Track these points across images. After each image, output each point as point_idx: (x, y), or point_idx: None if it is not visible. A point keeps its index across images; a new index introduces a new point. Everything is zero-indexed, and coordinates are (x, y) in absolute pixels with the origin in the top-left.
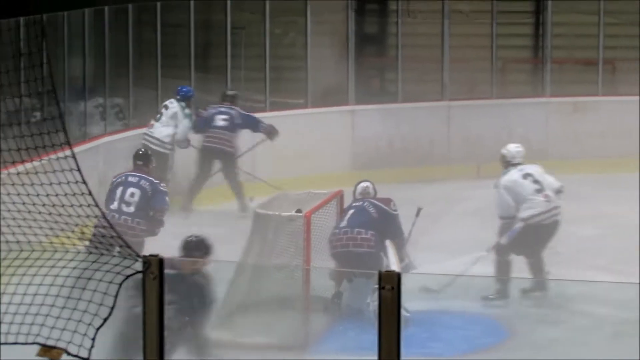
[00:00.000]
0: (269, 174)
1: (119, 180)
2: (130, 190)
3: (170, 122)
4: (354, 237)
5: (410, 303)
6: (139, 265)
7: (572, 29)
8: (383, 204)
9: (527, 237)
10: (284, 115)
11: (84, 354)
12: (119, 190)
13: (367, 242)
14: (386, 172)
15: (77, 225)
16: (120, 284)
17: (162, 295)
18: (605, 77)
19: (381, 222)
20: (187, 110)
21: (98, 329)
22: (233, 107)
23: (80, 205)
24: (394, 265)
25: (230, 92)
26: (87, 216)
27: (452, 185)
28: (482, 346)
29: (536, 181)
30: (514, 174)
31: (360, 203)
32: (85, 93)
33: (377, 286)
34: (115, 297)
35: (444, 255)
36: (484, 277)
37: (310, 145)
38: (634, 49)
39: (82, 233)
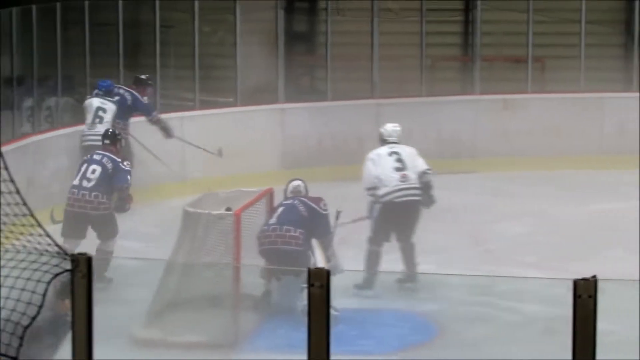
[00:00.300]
0: (199, 172)
1: (85, 158)
2: (92, 167)
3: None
4: (282, 235)
5: (340, 301)
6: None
7: (501, 27)
8: (314, 203)
9: (387, 216)
10: (214, 113)
11: (12, 353)
12: (83, 167)
13: (295, 240)
14: (316, 170)
15: (4, 224)
16: (49, 283)
17: (91, 294)
18: (535, 75)
19: (310, 221)
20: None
21: (26, 327)
22: (127, 89)
23: (9, 204)
24: (321, 264)
25: (141, 77)
26: (15, 215)
27: None
28: (412, 343)
29: (400, 160)
30: (382, 149)
31: (291, 201)
32: (14, 92)
33: (305, 285)
34: (44, 296)
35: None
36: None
37: (240, 144)
38: (563, 46)
39: (11, 232)
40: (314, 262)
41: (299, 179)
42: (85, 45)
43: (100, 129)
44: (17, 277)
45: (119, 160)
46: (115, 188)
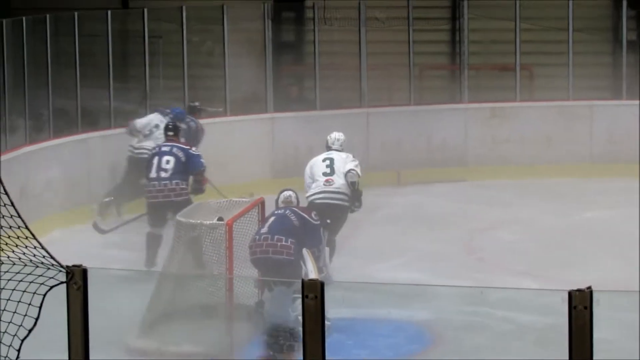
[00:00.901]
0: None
1: (154, 152)
2: (165, 158)
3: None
4: (273, 244)
5: (335, 310)
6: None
7: (488, 35)
8: (305, 213)
9: None
10: (204, 123)
11: None
12: (155, 160)
13: (286, 250)
14: None
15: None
16: (44, 295)
17: (86, 305)
18: (523, 83)
19: (302, 231)
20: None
21: (23, 340)
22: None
23: (3, 217)
24: (312, 275)
25: (194, 104)
26: (10, 227)
27: (371, 192)
28: (407, 353)
29: (330, 166)
30: (320, 156)
31: (282, 211)
32: (6, 103)
33: (297, 295)
34: (40, 308)
35: (364, 261)
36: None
37: (231, 154)
38: (551, 54)
39: (6, 244)
40: (305, 272)
41: (290, 189)
42: (75, 56)
43: (150, 144)
44: (13, 290)
45: (187, 147)
46: (192, 173)
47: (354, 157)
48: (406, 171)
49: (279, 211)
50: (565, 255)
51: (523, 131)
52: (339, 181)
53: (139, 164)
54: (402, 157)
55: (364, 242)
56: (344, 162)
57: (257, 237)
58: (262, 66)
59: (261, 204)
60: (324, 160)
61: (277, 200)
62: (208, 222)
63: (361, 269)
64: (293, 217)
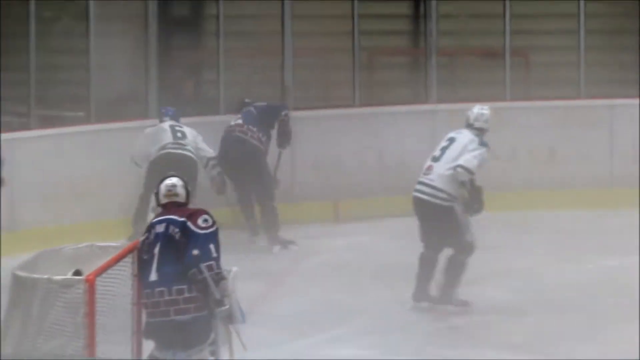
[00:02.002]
0: (32, 221)
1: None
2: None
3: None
4: (174, 300)
5: None
6: None
7: (467, 7)
8: (189, 219)
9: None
10: (58, 134)
11: None
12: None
13: (193, 304)
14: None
15: None
16: None
17: None
18: (516, 75)
19: (185, 250)
20: None
21: None
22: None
23: None
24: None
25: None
26: None
27: (299, 231)
28: None
29: (445, 148)
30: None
31: (163, 228)
32: None
33: None
34: None
35: (289, 333)
36: None
37: (93, 177)
38: (554, 35)
39: None
40: (214, 337)
41: (175, 176)
42: None
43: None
44: None
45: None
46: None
47: (482, 143)
48: (347, 202)
49: (159, 228)
50: (576, 320)
51: (515, 143)
52: (438, 171)
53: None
54: (341, 182)
55: (288, 306)
56: (464, 148)
57: (150, 290)
58: (143, 52)
59: (134, 250)
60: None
61: (156, 197)
62: (59, 277)
63: (286, 343)
64: (177, 233)
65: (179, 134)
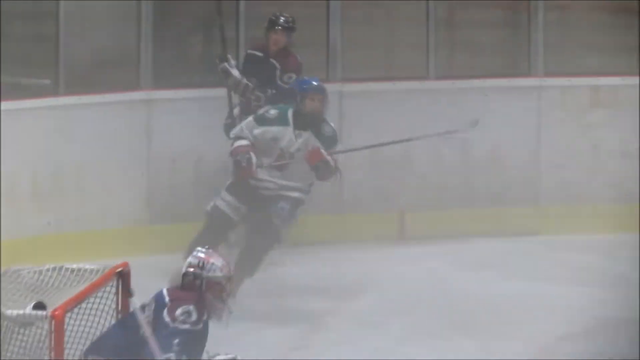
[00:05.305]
0: None
1: None
2: None
3: None
4: None
5: None
6: None
7: None
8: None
9: None
10: (15, 109)
11: None
12: None
13: None
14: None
15: None
16: None
17: None
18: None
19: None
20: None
21: None
22: None
23: None
24: None
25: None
26: None
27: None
28: None
29: None
30: None
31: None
32: None
33: None
34: None
35: None
36: None
37: (66, 167)
38: None
39: None
40: None
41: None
42: None
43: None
44: None
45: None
46: None
47: None
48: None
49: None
50: None
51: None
52: None
53: None
54: (408, 185)
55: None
56: None
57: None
58: (133, 10)
59: (120, 275)
60: None
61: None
62: (15, 311)
63: None
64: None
65: None
